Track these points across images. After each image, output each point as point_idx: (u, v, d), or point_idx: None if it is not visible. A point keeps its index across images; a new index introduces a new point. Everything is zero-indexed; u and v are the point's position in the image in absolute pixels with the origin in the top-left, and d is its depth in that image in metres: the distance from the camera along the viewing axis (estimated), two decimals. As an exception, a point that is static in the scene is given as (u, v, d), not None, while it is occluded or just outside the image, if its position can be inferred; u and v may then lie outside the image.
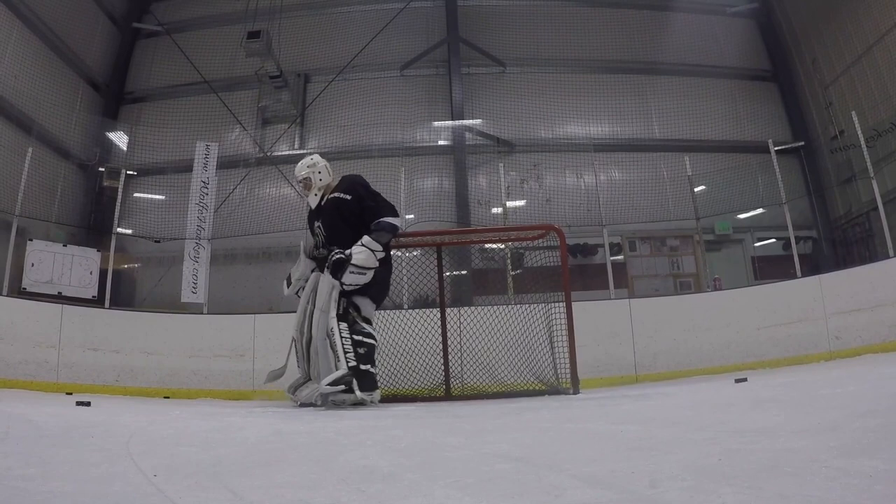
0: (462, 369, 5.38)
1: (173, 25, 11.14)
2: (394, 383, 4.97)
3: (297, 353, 4.43)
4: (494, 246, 7.55)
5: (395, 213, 4.36)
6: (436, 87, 10.67)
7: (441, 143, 10.34)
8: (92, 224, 9.38)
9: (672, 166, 8.77)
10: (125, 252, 9.29)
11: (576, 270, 8.39)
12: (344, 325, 4.04)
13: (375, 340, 4.22)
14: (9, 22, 8.54)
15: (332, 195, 4.42)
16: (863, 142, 7.22)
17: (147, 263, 9.59)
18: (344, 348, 3.97)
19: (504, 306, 5.64)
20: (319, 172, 4.51)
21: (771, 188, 7.77)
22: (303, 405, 4.23)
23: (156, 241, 8.24)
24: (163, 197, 9.33)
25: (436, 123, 10.37)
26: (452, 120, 10.23)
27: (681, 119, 10.12)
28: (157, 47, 11.22)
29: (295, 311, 4.56)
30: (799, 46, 10.85)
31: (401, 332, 5.23)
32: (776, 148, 7.64)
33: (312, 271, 4.47)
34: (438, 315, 5.27)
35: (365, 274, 4.07)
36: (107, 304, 6.70)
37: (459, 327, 5.36)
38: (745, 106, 10.70)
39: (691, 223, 7.99)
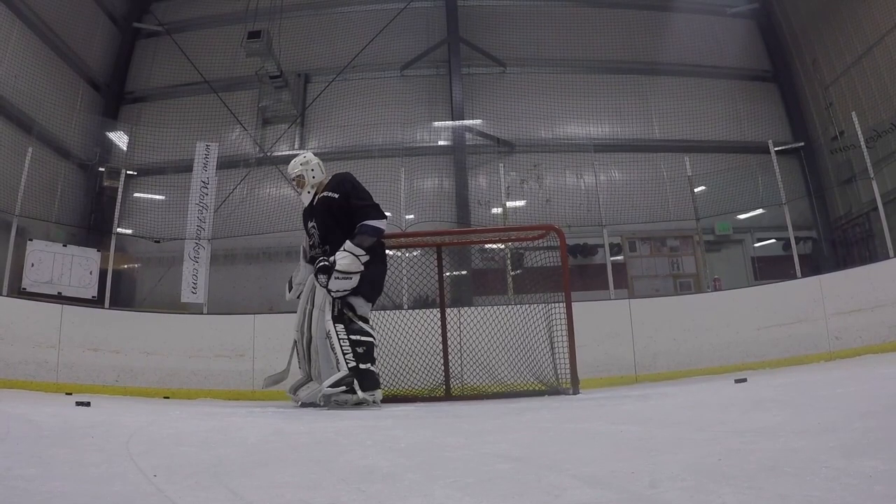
0: (462, 369, 5.38)
1: (173, 25, 11.15)
2: (394, 383, 4.97)
3: (298, 353, 4.45)
4: (494, 246, 7.55)
5: (380, 215, 4.34)
6: (436, 88, 10.67)
7: (441, 143, 10.34)
8: (92, 224, 9.38)
9: (672, 166, 8.77)
10: (125, 252, 9.29)
11: (576, 271, 8.40)
12: (340, 327, 4.05)
13: (373, 338, 4.22)
14: (9, 22, 8.54)
15: (322, 194, 4.43)
16: (863, 142, 7.23)
17: (147, 263, 9.59)
18: (342, 350, 3.97)
19: (504, 306, 5.64)
20: (312, 170, 4.51)
21: (771, 188, 7.77)
22: (304, 405, 4.24)
23: (156, 241, 8.24)
24: (163, 197, 9.33)
25: (436, 123, 10.37)
26: (452, 120, 10.23)
27: (681, 119, 10.12)
28: (157, 47, 11.22)
29: (295, 311, 4.58)
30: (799, 47, 10.85)
31: (401, 333, 5.23)
32: (776, 148, 7.64)
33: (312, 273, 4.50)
34: (438, 315, 5.27)
35: (350, 278, 4.07)
36: (107, 304, 6.70)
37: (459, 327, 5.37)
38: (746, 106, 10.70)
39: (691, 223, 7.99)
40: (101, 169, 9.68)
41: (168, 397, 5.82)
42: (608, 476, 1.24)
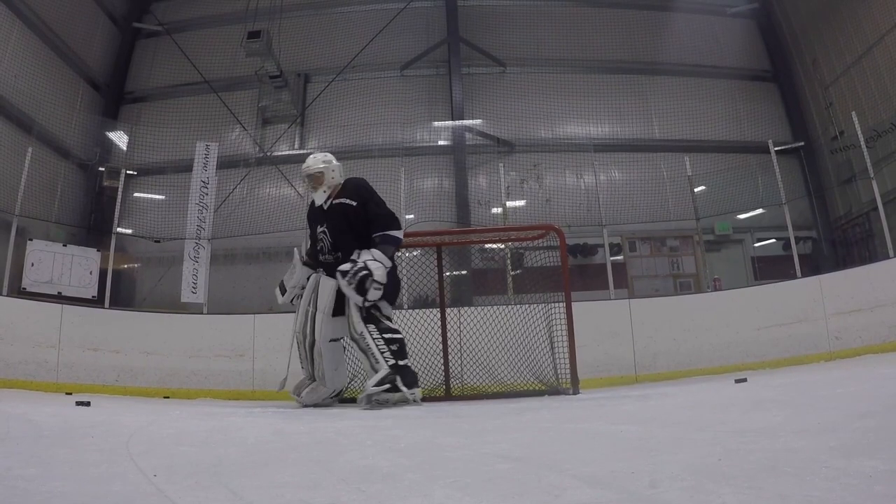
0: (462, 369, 5.38)
1: (173, 25, 11.15)
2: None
3: (299, 355, 4.43)
4: (494, 246, 7.54)
5: (398, 225, 4.40)
6: (436, 87, 10.67)
7: (441, 143, 10.34)
8: (92, 224, 9.38)
9: (672, 166, 8.77)
10: (125, 252, 9.30)
11: (576, 271, 8.40)
12: (372, 327, 4.10)
13: (402, 335, 4.30)
14: (9, 22, 8.54)
15: (337, 200, 4.39)
16: (863, 142, 7.23)
17: (147, 263, 9.59)
18: (379, 348, 4.04)
19: (504, 306, 5.64)
20: (333, 171, 4.48)
21: (771, 188, 7.77)
22: (306, 406, 4.23)
23: (156, 241, 8.24)
24: (163, 197, 9.33)
25: (436, 123, 10.37)
26: (452, 120, 10.23)
27: (681, 119, 10.13)
28: (157, 47, 11.22)
29: (293, 312, 4.56)
30: (799, 47, 10.85)
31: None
32: (776, 148, 7.64)
33: (309, 277, 4.47)
34: (438, 315, 5.27)
35: (381, 288, 4.13)
36: (107, 304, 6.70)
37: (459, 327, 5.36)
38: (745, 106, 10.70)
39: (691, 223, 7.99)
40: (101, 169, 9.68)
41: (168, 397, 5.82)
42: (608, 476, 1.24)
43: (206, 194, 7.47)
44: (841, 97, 9.85)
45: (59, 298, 6.65)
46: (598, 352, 5.99)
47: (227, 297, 8.40)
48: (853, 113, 7.43)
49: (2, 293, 6.24)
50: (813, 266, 8.95)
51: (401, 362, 4.09)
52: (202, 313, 6.90)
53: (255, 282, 9.17)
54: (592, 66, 10.70)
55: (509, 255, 7.05)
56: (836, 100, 9.95)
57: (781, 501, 0.94)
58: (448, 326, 5.21)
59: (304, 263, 4.55)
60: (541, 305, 5.15)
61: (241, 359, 6.08)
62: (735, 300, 6.42)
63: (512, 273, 6.94)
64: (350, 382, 4.80)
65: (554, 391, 4.71)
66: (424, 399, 4.81)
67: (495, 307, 5.51)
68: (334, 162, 4.54)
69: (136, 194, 9.51)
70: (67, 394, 5.27)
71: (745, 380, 4.16)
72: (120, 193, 7.44)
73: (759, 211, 9.28)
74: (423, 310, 5.62)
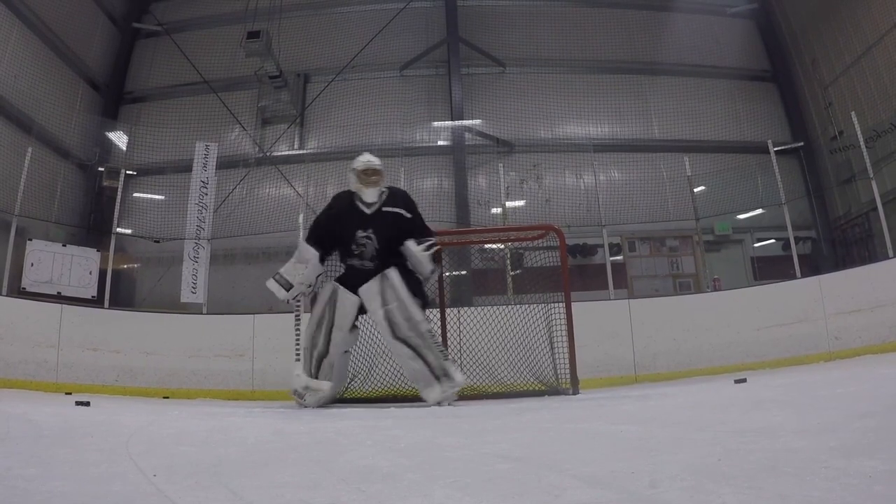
0: (462, 369, 5.37)
1: (173, 25, 11.14)
2: (394, 383, 4.96)
3: (305, 360, 4.25)
4: (494, 246, 7.54)
5: (433, 234, 4.52)
6: (435, 88, 10.67)
7: (441, 143, 10.34)
8: (91, 224, 9.38)
9: (672, 166, 8.78)
10: (125, 252, 9.29)
11: (575, 271, 8.39)
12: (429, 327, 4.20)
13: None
14: (9, 22, 8.54)
15: (389, 208, 4.32)
16: (862, 142, 7.23)
17: (147, 263, 9.59)
18: (437, 346, 4.20)
19: (504, 306, 5.64)
20: (383, 175, 4.53)
21: (770, 189, 7.78)
22: (306, 407, 4.21)
23: (155, 241, 8.24)
24: (162, 197, 9.33)
25: (435, 123, 10.37)
26: (452, 120, 10.23)
27: (680, 119, 10.13)
28: (156, 47, 11.22)
29: (292, 311, 4.49)
30: (798, 47, 10.86)
31: (400, 333, 5.21)
32: (776, 148, 7.64)
33: (318, 277, 4.31)
34: (438, 315, 5.26)
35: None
36: (106, 304, 6.70)
37: (459, 327, 5.36)
38: (745, 106, 10.71)
39: (691, 223, 7.99)
40: (101, 169, 9.68)
41: (168, 397, 5.82)
42: (608, 476, 1.24)
43: (206, 194, 7.47)
44: (840, 97, 9.85)
45: (59, 298, 6.65)
46: (598, 352, 5.99)
47: (226, 297, 8.41)
48: (853, 113, 7.44)
49: (2, 293, 6.24)
50: (813, 266, 8.95)
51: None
52: (202, 313, 6.90)
53: (255, 282, 9.09)
54: (592, 66, 10.70)
55: (509, 256, 7.05)
56: (835, 100, 9.95)
57: (781, 501, 0.94)
58: (448, 326, 5.21)
59: (354, 262, 4.27)
60: (540, 305, 5.15)
61: (240, 359, 6.08)
62: (735, 300, 6.42)
63: (512, 273, 6.94)
64: (350, 382, 4.79)
65: (554, 391, 4.71)
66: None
67: (495, 307, 5.50)
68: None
69: (135, 194, 9.51)
70: (67, 394, 5.27)
71: (744, 380, 4.16)
72: (119, 193, 7.44)
73: (759, 211, 9.28)
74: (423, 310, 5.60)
